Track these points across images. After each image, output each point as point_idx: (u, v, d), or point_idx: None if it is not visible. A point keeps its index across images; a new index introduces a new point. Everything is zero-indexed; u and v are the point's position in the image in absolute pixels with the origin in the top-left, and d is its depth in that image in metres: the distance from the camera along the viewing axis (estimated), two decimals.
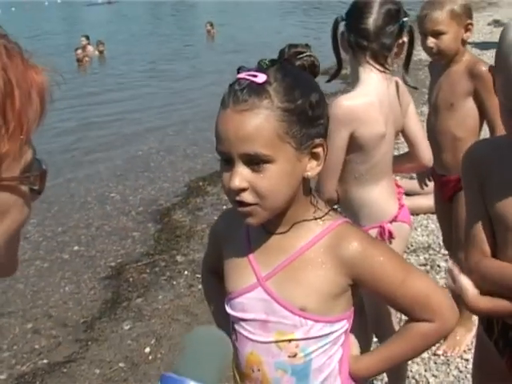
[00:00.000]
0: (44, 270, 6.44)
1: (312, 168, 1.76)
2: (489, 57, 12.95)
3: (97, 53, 22.41)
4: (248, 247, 1.90)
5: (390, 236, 3.13)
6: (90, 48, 21.93)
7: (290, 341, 1.83)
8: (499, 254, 2.13)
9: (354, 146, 3.01)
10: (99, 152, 10.55)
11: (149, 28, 33.07)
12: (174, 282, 5.84)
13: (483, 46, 14.34)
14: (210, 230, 2.20)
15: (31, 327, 5.37)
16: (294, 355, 1.84)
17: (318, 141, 1.74)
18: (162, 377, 1.34)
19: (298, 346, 1.83)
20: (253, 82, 1.68)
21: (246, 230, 1.92)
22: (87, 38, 22.09)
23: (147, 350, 4.83)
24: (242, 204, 1.73)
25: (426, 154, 3.39)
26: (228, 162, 1.72)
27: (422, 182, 4.37)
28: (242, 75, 1.72)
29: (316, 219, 1.83)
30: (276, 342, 1.84)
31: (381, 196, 3.20)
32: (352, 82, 3.12)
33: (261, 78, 1.68)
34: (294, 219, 1.83)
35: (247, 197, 1.71)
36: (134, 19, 37.60)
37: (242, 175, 1.68)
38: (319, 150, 1.75)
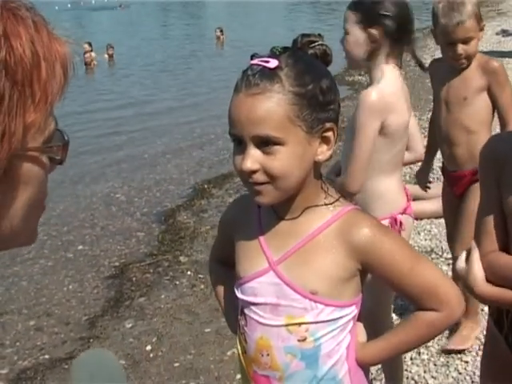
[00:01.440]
0: (48, 268, 6.47)
1: (322, 152, 1.79)
2: None
3: (106, 56, 22.44)
4: (260, 232, 1.93)
5: (401, 227, 3.17)
6: (92, 54, 21.92)
7: (300, 324, 1.86)
8: (511, 248, 2.13)
9: (383, 135, 3.08)
10: (106, 154, 10.60)
11: (159, 32, 33.14)
12: (177, 282, 5.86)
13: (491, 54, 14.33)
14: (220, 218, 2.21)
15: (34, 324, 5.40)
16: (304, 339, 1.87)
17: (328, 125, 1.77)
18: None
19: (308, 329, 1.86)
20: (265, 67, 1.73)
21: (257, 216, 1.95)
22: (90, 44, 22.06)
23: (148, 347, 4.85)
24: (255, 184, 1.77)
25: (420, 146, 3.60)
26: (240, 145, 1.76)
27: (423, 184, 4.40)
28: (254, 61, 1.77)
29: (327, 205, 1.87)
30: (286, 325, 1.87)
31: (394, 187, 3.27)
32: (371, 78, 3.18)
33: (273, 63, 1.73)
34: (304, 204, 1.86)
35: (259, 177, 1.75)
36: (143, 24, 37.66)
37: (253, 157, 1.73)
38: (330, 134, 1.78)
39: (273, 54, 1.79)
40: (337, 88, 1.83)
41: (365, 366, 2.00)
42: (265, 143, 1.72)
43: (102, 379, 1.35)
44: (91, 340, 5.06)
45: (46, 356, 4.93)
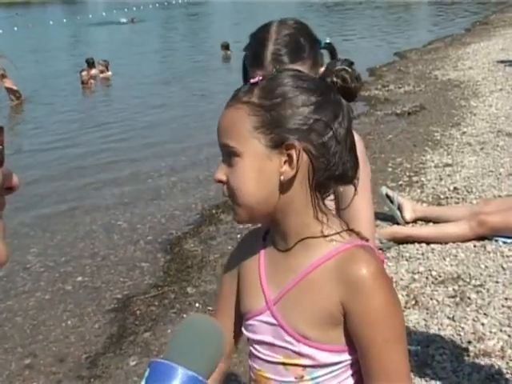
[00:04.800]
0: (45, 302, 6.43)
1: (285, 171, 1.75)
2: None
3: (101, 74, 22.50)
4: (261, 266, 1.92)
5: None
6: (94, 71, 22.04)
7: (296, 365, 1.84)
8: None
9: None
10: (106, 178, 10.59)
11: (163, 45, 33.26)
12: (184, 315, 5.79)
13: None
14: (228, 257, 2.17)
15: (29, 363, 5.34)
16: (301, 377, 1.84)
17: (291, 141, 1.73)
18: (152, 363, 1.33)
19: (305, 369, 1.83)
20: (249, 81, 1.81)
21: (262, 248, 1.95)
22: (87, 62, 22.16)
23: None
24: (229, 198, 1.83)
25: None
26: None
27: None
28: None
29: (324, 237, 1.81)
30: (283, 364, 1.85)
31: None
32: None
33: (257, 78, 1.79)
34: (296, 234, 1.81)
35: (225, 190, 1.82)
36: (148, 39, 37.80)
37: (222, 169, 1.81)
38: (291, 151, 1.74)
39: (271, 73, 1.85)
40: (330, 109, 1.78)
41: None
42: (226, 153, 1.79)
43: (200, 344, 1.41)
44: (92, 380, 5.01)
45: None
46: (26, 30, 45.36)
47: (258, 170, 1.75)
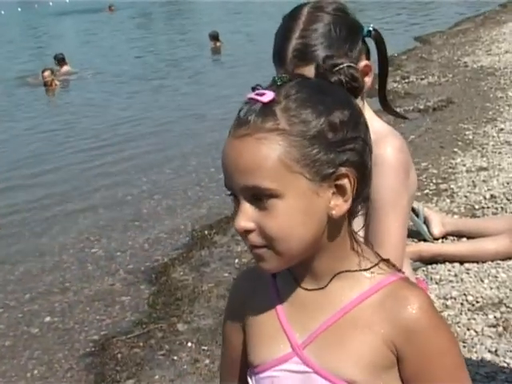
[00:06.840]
0: (5, 349, 6.39)
1: (337, 205, 1.75)
2: None
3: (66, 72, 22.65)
4: (278, 307, 1.91)
5: None
6: (65, 68, 22.14)
7: None
8: None
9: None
10: (77, 198, 10.59)
11: (144, 39, 33.33)
12: (175, 357, 5.78)
13: None
14: (226, 305, 2.19)
15: None
16: None
17: (343, 170, 1.72)
18: None
19: None
20: (258, 101, 1.72)
21: (273, 287, 1.94)
22: (60, 57, 22.28)
23: None
24: (253, 247, 1.75)
25: None
26: (235, 199, 1.75)
27: None
28: (250, 95, 1.75)
29: (362, 271, 1.83)
30: None
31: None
32: None
33: (267, 96, 1.72)
34: (331, 270, 1.82)
35: (255, 239, 1.74)
36: (128, 28, 37.91)
37: (246, 214, 1.72)
38: (344, 181, 1.73)
39: (273, 84, 1.77)
40: (362, 121, 1.79)
41: None
42: (256, 196, 1.70)
43: None
44: None
45: None
46: None
47: (305, 210, 1.72)
